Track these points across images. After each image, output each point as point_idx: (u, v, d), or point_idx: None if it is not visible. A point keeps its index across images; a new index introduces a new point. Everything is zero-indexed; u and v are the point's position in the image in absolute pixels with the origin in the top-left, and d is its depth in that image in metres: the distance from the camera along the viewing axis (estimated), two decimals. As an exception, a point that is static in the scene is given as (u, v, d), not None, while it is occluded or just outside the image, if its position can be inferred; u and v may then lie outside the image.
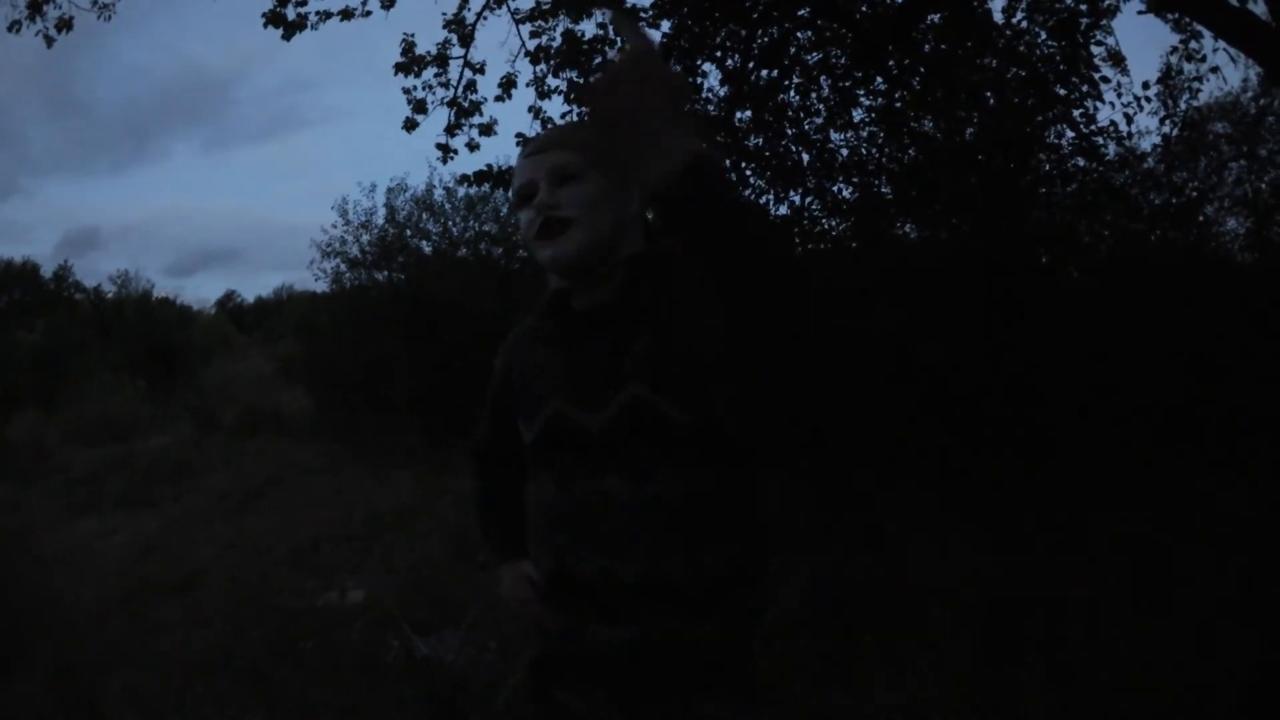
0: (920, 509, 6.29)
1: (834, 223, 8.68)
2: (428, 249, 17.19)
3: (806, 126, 8.45)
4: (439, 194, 17.25)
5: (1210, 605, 4.73)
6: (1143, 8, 8.43)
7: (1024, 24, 8.48)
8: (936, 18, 8.24)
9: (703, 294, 1.62)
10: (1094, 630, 4.68)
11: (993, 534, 5.90)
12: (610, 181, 1.92)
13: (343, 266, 17.42)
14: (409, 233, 17.26)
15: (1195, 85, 9.11)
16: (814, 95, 8.49)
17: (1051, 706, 4.16)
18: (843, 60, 8.43)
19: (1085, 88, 8.18)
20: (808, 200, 8.47)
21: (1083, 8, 8.23)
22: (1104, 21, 8.25)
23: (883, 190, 8.51)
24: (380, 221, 17.27)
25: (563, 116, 7.96)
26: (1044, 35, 8.39)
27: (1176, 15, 8.74)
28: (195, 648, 5.75)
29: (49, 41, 7.91)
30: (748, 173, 8.21)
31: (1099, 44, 8.25)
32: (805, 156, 8.40)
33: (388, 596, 6.57)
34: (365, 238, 17.26)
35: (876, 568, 5.51)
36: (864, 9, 8.20)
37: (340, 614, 6.40)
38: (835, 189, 8.53)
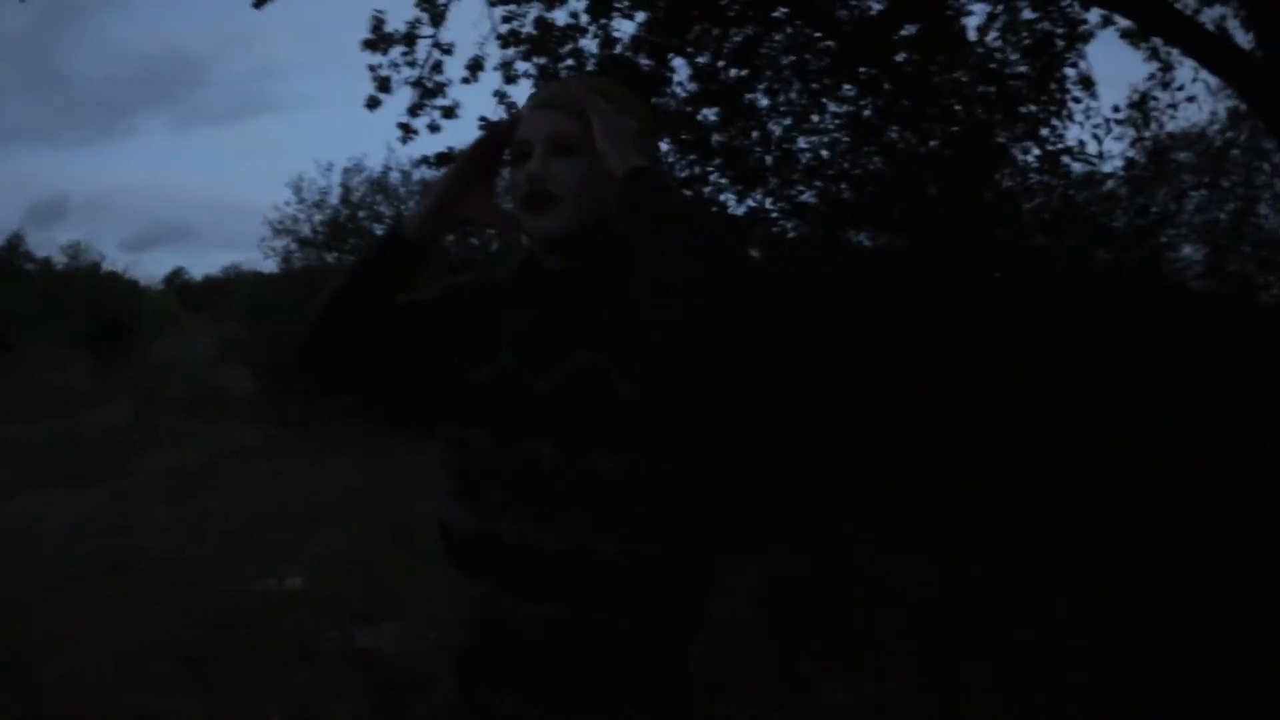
0: (870, 513, 6.31)
1: (792, 224, 8.69)
2: (380, 232, 17.03)
3: (773, 128, 8.46)
4: (395, 176, 17.19)
5: (1166, 616, 4.79)
6: (1120, 31, 8.54)
7: (998, 42, 8.54)
8: (911, 29, 8.25)
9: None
10: (1045, 637, 4.72)
11: (944, 540, 5.94)
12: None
13: (293, 245, 17.34)
14: (362, 214, 17.16)
15: (1171, 113, 9.19)
16: (783, 98, 8.49)
17: (1002, 711, 4.19)
18: (816, 65, 8.43)
19: (1052, 108, 8.25)
20: (768, 201, 8.48)
21: (1059, 30, 8.29)
22: (1078, 45, 8.32)
23: (843, 195, 8.51)
24: (335, 201, 17.18)
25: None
26: (1016, 56, 8.47)
27: (1152, 45, 8.83)
28: (134, 632, 5.67)
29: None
30: (710, 170, 8.21)
31: (1073, 66, 8.33)
32: (769, 158, 8.40)
33: (326, 584, 6.53)
34: (318, 217, 17.19)
35: (826, 571, 5.52)
36: (842, 13, 8.20)
37: (279, 601, 6.34)
38: (796, 192, 8.54)
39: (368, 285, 1.92)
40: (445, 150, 7.63)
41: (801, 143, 8.59)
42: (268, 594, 6.53)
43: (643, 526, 1.72)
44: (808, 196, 8.61)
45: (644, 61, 7.88)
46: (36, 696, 4.88)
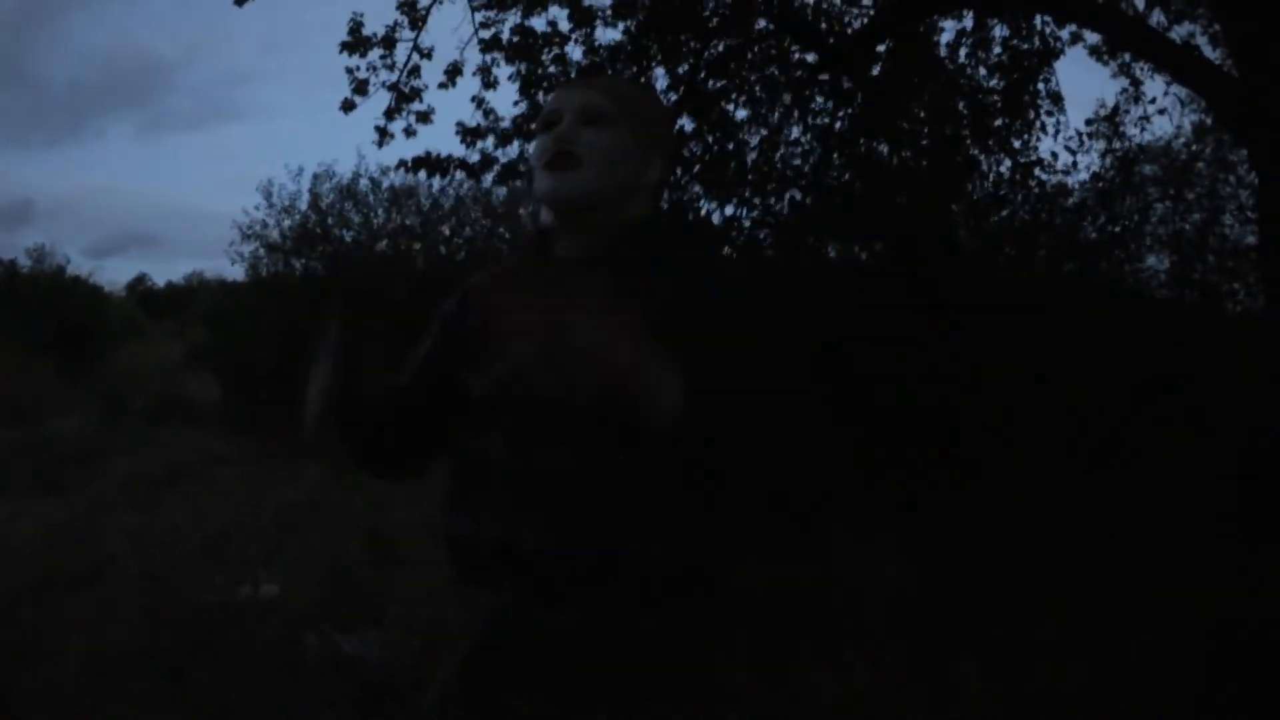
0: (849, 514, 6.35)
1: (763, 234, 8.72)
2: (348, 238, 17.03)
3: (750, 137, 8.50)
4: (364, 184, 17.15)
5: (1148, 609, 4.85)
6: (1089, 48, 8.65)
7: (969, 60, 8.63)
8: (886, 45, 8.30)
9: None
10: (1029, 630, 4.77)
11: (924, 538, 5.99)
12: (635, 140, 1.86)
13: (261, 251, 17.26)
14: (330, 220, 17.10)
15: (1144, 124, 9.31)
16: (762, 109, 8.52)
17: (989, 705, 4.22)
18: (794, 75, 8.46)
19: (1019, 123, 8.34)
20: (740, 211, 8.50)
21: (1025, 47, 8.37)
22: (1050, 62, 8.42)
23: (817, 205, 8.54)
24: (304, 207, 17.12)
25: (514, 104, 7.97)
26: (985, 72, 8.57)
27: (1122, 60, 8.94)
28: (109, 642, 5.60)
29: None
30: (687, 179, 8.22)
31: (1044, 81, 8.41)
32: (745, 166, 8.42)
33: (302, 592, 6.49)
34: (287, 222, 17.11)
35: (808, 571, 5.53)
36: (823, 25, 8.24)
37: (255, 609, 6.28)
38: (771, 202, 8.56)
39: (349, 424, 2.02)
40: (425, 155, 7.60)
41: (777, 153, 8.63)
42: (244, 602, 6.49)
43: (667, 526, 1.70)
44: (781, 207, 8.63)
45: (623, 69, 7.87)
46: (11, 709, 4.84)
